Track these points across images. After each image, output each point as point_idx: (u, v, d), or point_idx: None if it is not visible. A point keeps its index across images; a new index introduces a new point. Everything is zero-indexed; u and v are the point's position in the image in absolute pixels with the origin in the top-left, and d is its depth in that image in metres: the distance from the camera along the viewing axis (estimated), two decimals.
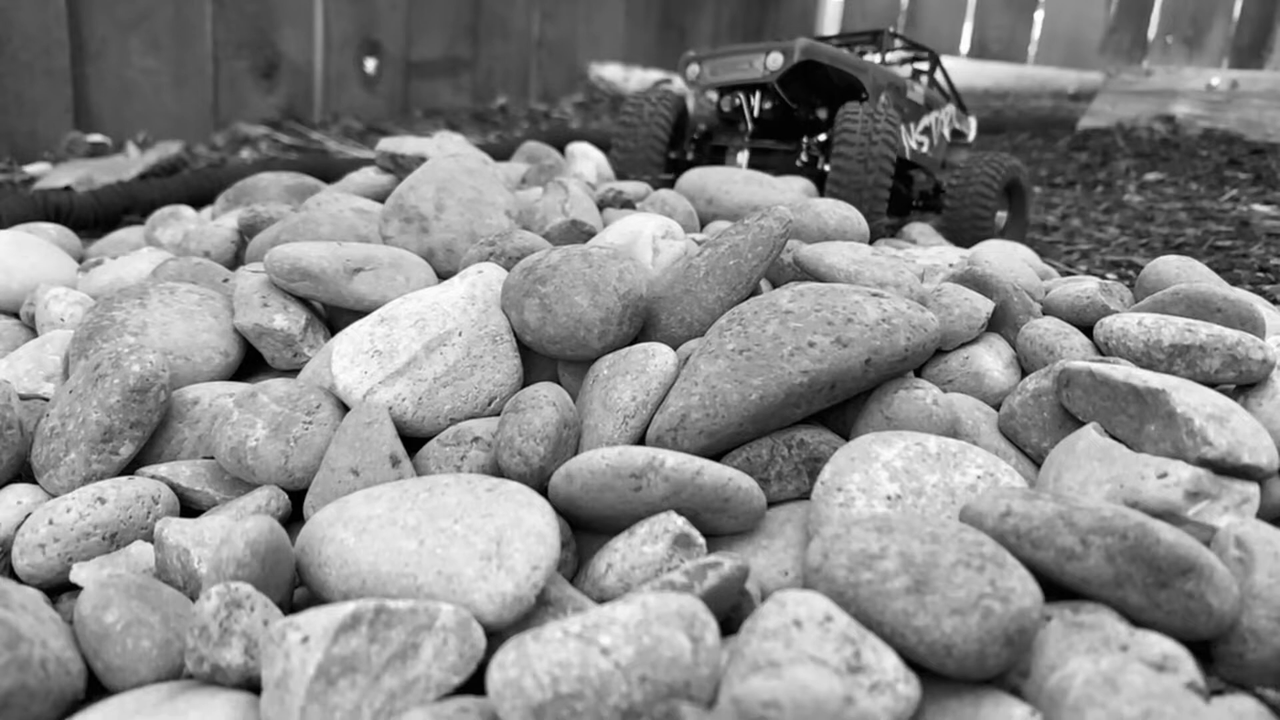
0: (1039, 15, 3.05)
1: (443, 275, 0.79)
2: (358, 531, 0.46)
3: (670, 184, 1.25)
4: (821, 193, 1.16)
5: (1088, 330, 0.68)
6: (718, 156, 1.25)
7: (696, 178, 1.06)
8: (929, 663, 0.40)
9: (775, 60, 1.12)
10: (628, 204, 0.98)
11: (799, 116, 1.23)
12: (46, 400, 0.67)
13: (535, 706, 0.35)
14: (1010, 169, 1.20)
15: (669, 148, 1.25)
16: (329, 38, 1.90)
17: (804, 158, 1.17)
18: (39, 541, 0.52)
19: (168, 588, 0.47)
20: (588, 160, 1.28)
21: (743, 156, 1.21)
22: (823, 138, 1.18)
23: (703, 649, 0.38)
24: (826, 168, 1.12)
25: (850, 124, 1.08)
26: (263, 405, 0.59)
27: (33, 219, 1.06)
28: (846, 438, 0.60)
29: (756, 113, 1.19)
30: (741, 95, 1.19)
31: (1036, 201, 1.53)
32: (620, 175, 1.23)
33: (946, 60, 2.71)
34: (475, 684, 0.41)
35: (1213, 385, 0.60)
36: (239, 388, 0.65)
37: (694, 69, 1.19)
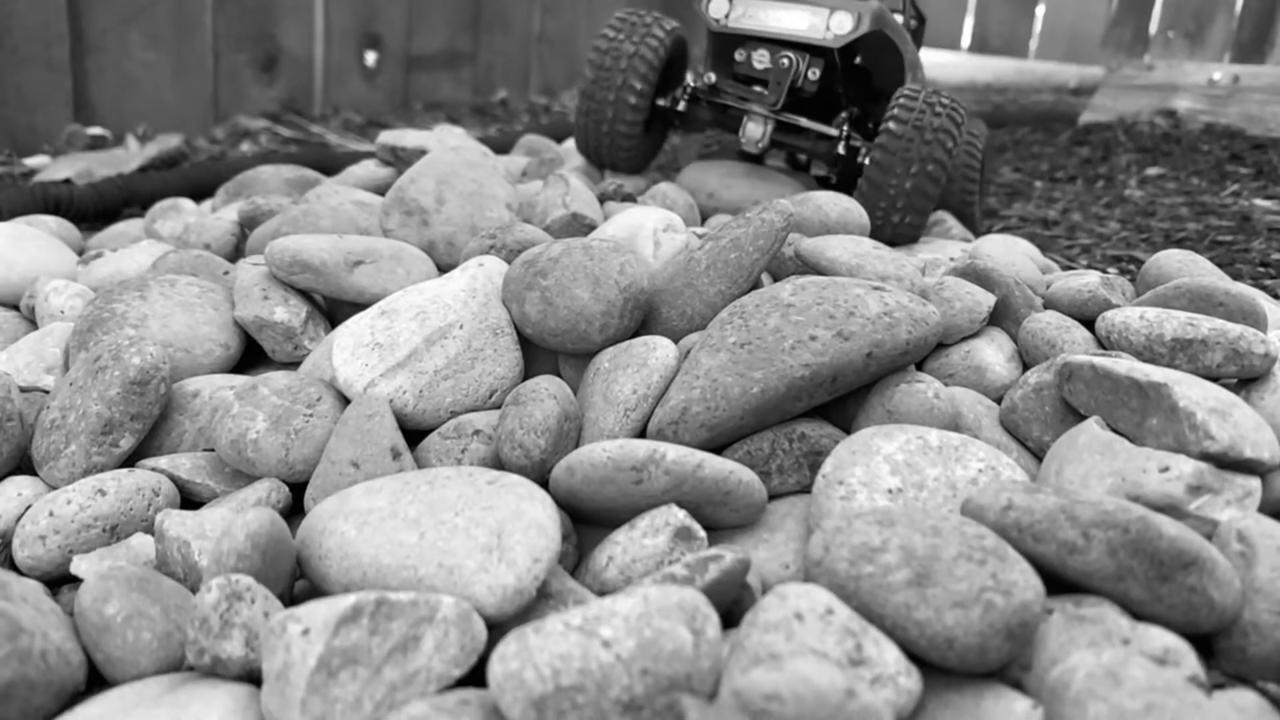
0: (1040, 10, 3.04)
1: (443, 268, 0.79)
2: (358, 524, 0.46)
3: (646, 157, 1.07)
4: (849, 190, 0.99)
5: (1089, 324, 0.68)
6: (724, 118, 1.02)
7: (697, 171, 1.05)
8: (930, 656, 0.40)
9: (843, 23, 0.91)
10: (628, 197, 0.98)
11: (836, 94, 1.01)
12: (46, 392, 0.67)
13: (536, 699, 0.35)
14: (986, 140, 1.10)
15: (655, 97, 1.01)
16: (329, 31, 1.89)
17: (842, 149, 0.97)
18: (39, 533, 0.52)
19: (168, 580, 0.47)
20: None
21: (763, 128, 0.98)
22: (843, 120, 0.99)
23: (704, 642, 0.38)
24: (867, 161, 0.94)
25: (905, 111, 0.89)
26: (263, 398, 0.59)
27: (32, 211, 1.05)
28: (847, 431, 0.60)
29: (800, 80, 0.96)
30: (790, 56, 0.94)
31: (1038, 196, 1.53)
32: (584, 151, 1.05)
33: (945, 55, 2.71)
34: (476, 676, 0.41)
35: (1215, 379, 0.60)
36: (239, 380, 0.65)
37: (720, 4, 0.95)
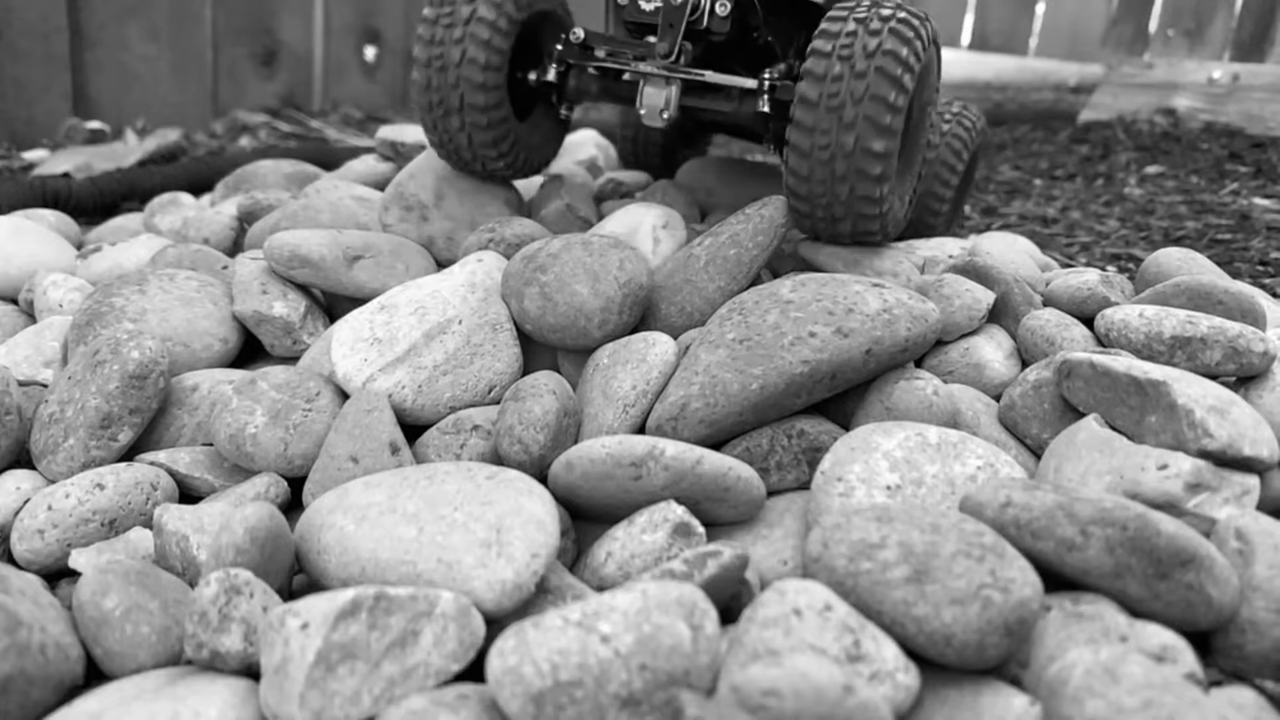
0: (1040, 7, 3.04)
1: (442, 263, 0.79)
2: (357, 519, 0.46)
3: (532, 155, 0.81)
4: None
5: (1088, 322, 0.68)
6: (617, 86, 0.78)
7: (696, 169, 1.05)
8: (928, 652, 0.40)
9: None
10: (628, 194, 0.98)
11: (759, 38, 0.77)
12: (45, 386, 0.67)
13: (535, 694, 0.35)
14: (981, 130, 0.88)
15: (516, 72, 0.78)
16: (329, 26, 1.89)
17: (764, 104, 0.73)
18: (38, 527, 0.52)
19: (167, 574, 0.47)
20: (586, 149, 1.27)
21: (665, 93, 0.73)
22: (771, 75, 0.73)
23: (702, 637, 0.38)
24: None
25: (827, 38, 0.64)
26: (262, 392, 0.59)
27: (31, 205, 1.05)
28: (846, 428, 0.60)
29: (705, 22, 0.71)
30: None
31: (1037, 194, 1.53)
32: (447, 158, 0.80)
33: (945, 52, 2.71)
34: (475, 671, 0.41)
35: (1213, 377, 0.60)
36: (238, 375, 0.65)
37: None
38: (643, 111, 0.75)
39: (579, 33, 0.76)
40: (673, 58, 0.72)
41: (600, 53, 0.76)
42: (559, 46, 0.77)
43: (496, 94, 0.74)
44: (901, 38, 0.63)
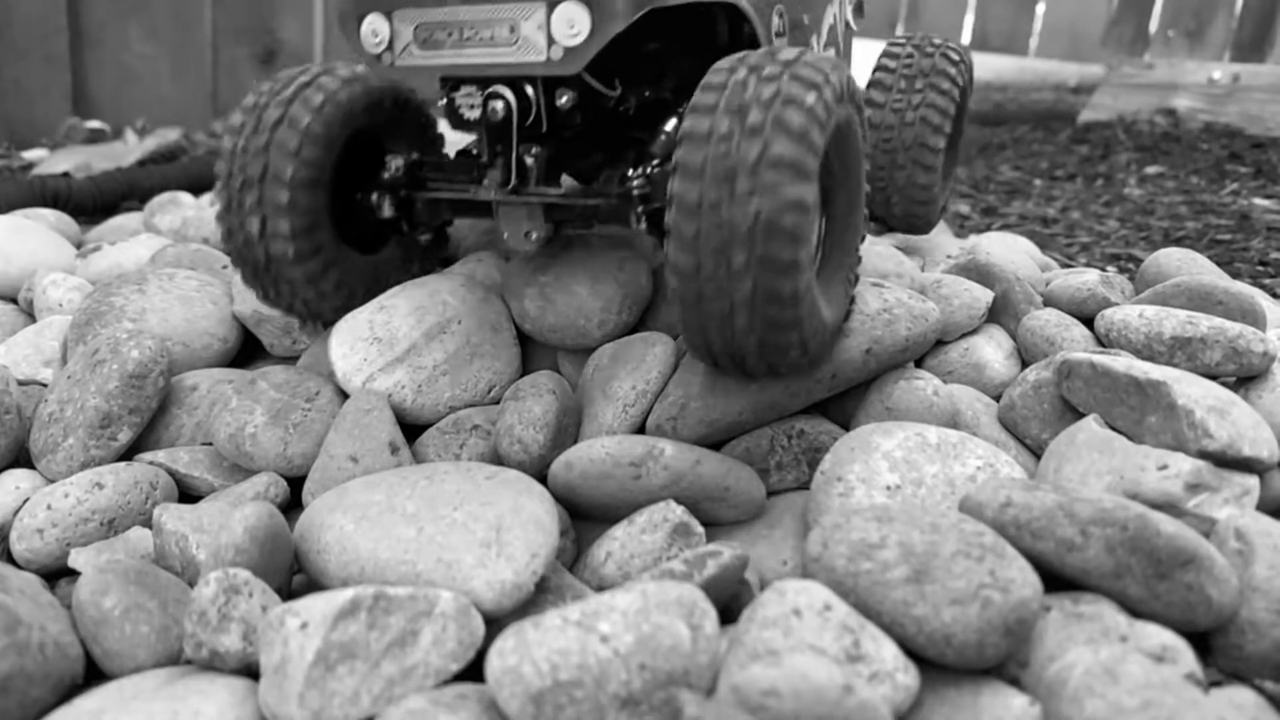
0: (1040, 8, 3.04)
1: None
2: (357, 518, 0.46)
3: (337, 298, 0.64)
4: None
5: (1088, 322, 0.68)
6: (479, 209, 0.63)
7: None
8: (928, 652, 0.40)
9: (576, 23, 0.49)
10: None
11: (627, 109, 0.62)
12: (45, 385, 0.67)
13: (534, 694, 0.35)
14: (970, 66, 0.79)
15: (340, 197, 0.63)
16: (329, 24, 1.89)
17: (639, 218, 0.57)
18: (37, 526, 0.52)
19: (166, 573, 0.47)
20: None
21: (525, 218, 0.60)
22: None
23: (702, 637, 0.38)
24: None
25: (699, 115, 0.47)
26: (262, 392, 0.59)
27: (31, 205, 1.05)
28: (846, 428, 0.60)
29: (546, 122, 0.57)
30: (505, 95, 0.56)
31: (1037, 194, 1.53)
32: (269, 301, 0.64)
33: None
34: (474, 671, 0.41)
35: (1213, 378, 0.60)
36: (238, 374, 0.65)
37: (376, 26, 0.54)
38: (505, 236, 0.61)
39: (398, 163, 0.63)
40: (510, 185, 0.58)
41: (434, 179, 0.63)
42: (385, 175, 0.63)
43: (310, 236, 0.60)
44: (813, 68, 0.47)
